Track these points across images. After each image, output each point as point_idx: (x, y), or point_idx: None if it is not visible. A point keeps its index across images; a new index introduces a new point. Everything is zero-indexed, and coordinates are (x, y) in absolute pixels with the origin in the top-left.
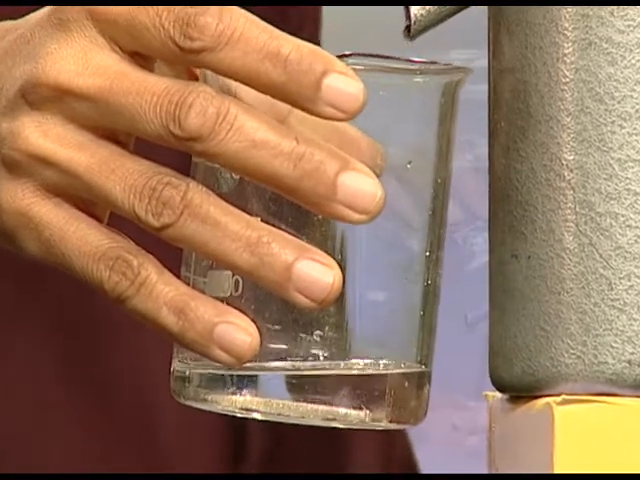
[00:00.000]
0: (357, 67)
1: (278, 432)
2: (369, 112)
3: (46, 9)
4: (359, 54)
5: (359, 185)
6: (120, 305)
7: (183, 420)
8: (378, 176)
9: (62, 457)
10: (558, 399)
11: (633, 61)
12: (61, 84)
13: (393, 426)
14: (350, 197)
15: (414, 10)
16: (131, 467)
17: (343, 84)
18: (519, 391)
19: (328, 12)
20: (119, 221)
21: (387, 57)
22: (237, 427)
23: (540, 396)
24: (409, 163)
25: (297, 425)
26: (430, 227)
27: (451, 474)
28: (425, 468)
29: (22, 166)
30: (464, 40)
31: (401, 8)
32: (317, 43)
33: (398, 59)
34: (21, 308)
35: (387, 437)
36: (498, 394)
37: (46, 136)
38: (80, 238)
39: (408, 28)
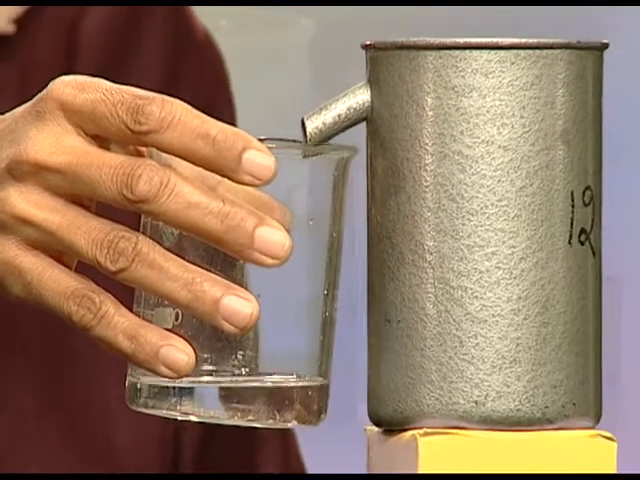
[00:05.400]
0: (270, 145)
1: (206, 437)
2: (279, 180)
3: (26, 104)
4: (271, 139)
5: (272, 237)
6: (85, 333)
7: (136, 434)
8: (287, 231)
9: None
10: (421, 432)
11: (478, 169)
12: (38, 161)
13: (299, 425)
14: (265, 246)
15: (309, 129)
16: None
17: (259, 158)
18: (391, 425)
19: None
20: (84, 267)
21: (293, 140)
22: (175, 436)
23: (407, 429)
24: (310, 220)
25: (222, 428)
26: (327, 271)
27: (450, 474)
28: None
29: (8, 225)
30: None
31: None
32: (233, 123)
33: (301, 142)
34: (3, 357)
35: (284, 442)
36: (375, 428)
37: (27, 202)
38: (54, 281)
39: (305, 143)
